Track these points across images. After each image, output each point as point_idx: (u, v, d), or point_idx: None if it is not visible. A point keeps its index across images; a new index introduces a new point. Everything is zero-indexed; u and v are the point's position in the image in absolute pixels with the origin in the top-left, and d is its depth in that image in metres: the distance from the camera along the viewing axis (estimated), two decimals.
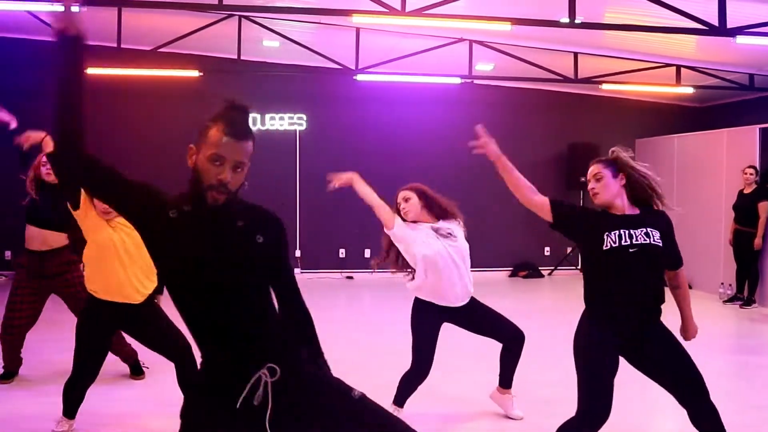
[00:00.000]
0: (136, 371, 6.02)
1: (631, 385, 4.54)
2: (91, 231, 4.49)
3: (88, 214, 4.43)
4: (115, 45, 10.14)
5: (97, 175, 2.49)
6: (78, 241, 4.92)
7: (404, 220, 4.97)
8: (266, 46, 11.19)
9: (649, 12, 8.11)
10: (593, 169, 4.01)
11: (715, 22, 7.72)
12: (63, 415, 4.62)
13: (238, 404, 2.39)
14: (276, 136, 12.27)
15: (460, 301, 4.88)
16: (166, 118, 11.91)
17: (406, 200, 4.99)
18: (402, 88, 12.07)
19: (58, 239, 5.67)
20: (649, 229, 3.66)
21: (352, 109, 12.34)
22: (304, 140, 12.36)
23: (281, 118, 12.32)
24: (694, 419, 3.67)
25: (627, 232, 3.65)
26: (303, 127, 12.36)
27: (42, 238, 5.65)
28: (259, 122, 12.24)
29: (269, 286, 2.59)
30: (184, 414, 2.61)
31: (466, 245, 4.96)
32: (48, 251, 5.63)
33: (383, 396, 5.04)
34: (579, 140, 12.85)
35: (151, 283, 4.60)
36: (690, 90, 11.48)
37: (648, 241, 3.62)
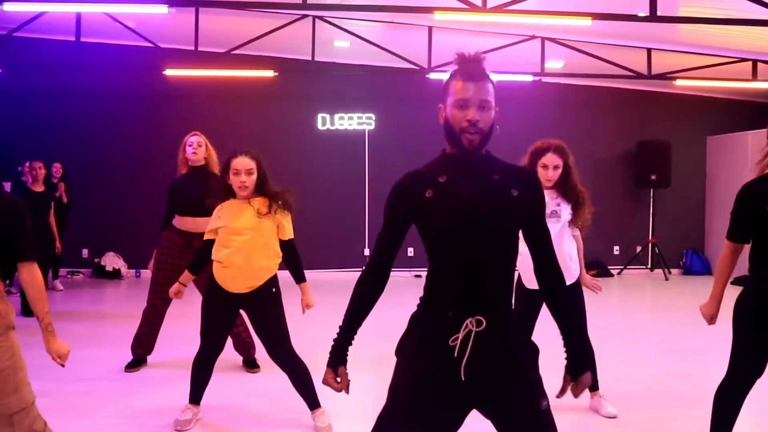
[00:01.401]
0: (252, 364, 6.14)
1: None
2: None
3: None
4: (192, 48, 10.37)
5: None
6: None
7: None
8: (337, 46, 11.32)
9: (725, 4, 8.02)
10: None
11: None
12: (189, 402, 4.73)
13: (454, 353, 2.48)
14: (345, 135, 12.39)
15: None
16: (242, 118, 12.13)
17: (556, 168, 4.81)
18: None
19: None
20: None
21: (422, 108, 12.30)
22: (373, 140, 12.45)
23: (350, 118, 12.43)
24: None
25: None
26: (372, 127, 12.46)
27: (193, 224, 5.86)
28: (328, 122, 12.38)
29: (516, 243, 2.63)
30: (400, 347, 2.68)
31: None
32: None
33: None
34: (649, 138, 12.72)
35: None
36: (767, 85, 11.29)
37: None
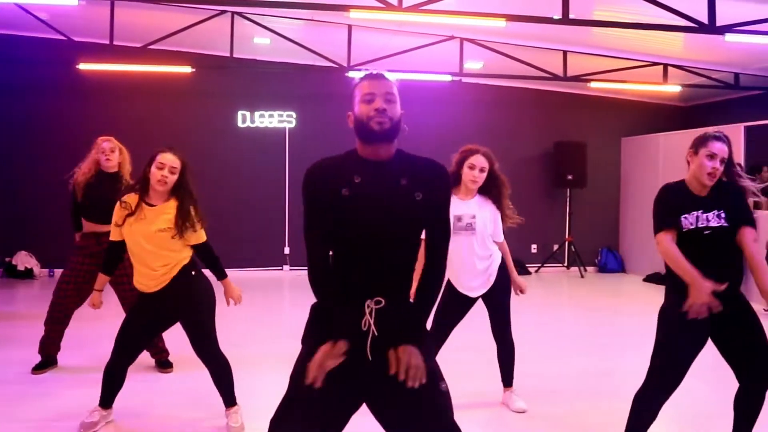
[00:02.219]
0: (164, 365, 6.04)
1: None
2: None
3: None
4: (107, 41, 10.15)
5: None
6: None
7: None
8: (257, 43, 11.23)
9: (637, 10, 8.24)
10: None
11: (703, 19, 7.86)
12: (99, 405, 4.62)
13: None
14: (266, 134, 12.30)
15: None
16: (159, 114, 11.92)
17: (482, 170, 4.88)
18: None
19: None
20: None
21: (343, 106, 12.19)
22: (294, 138, 12.39)
23: (270, 116, 12.35)
24: (739, 396, 3.85)
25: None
26: (292, 125, 12.39)
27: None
28: (248, 119, 12.27)
29: (418, 241, 2.71)
30: (306, 337, 2.72)
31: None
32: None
33: None
34: (566, 138, 12.98)
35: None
36: (677, 88, 11.64)
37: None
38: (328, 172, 2.67)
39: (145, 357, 6.07)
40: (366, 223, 2.58)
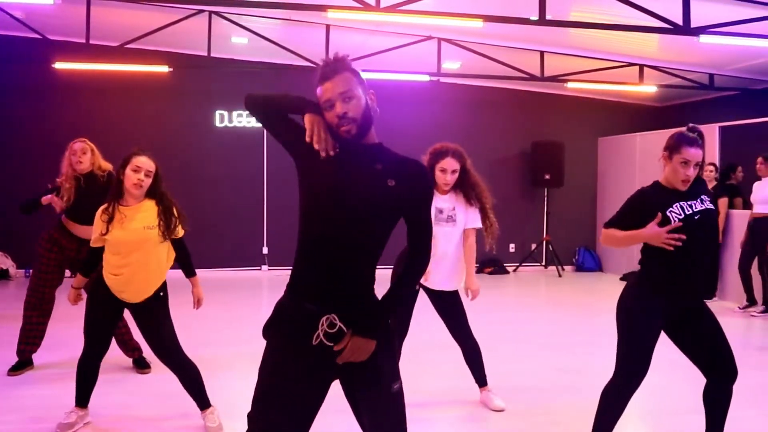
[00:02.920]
0: (141, 365, 6.02)
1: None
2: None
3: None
4: (83, 41, 10.08)
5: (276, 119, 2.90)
6: None
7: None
8: (235, 42, 11.20)
9: (613, 11, 8.31)
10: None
11: (678, 21, 7.94)
12: (75, 405, 4.60)
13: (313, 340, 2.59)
14: (244, 133, 12.27)
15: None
16: (136, 114, 11.86)
17: (454, 172, 4.90)
18: (370, 85, 12.07)
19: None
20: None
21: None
22: (271, 138, 12.31)
23: (249, 116, 12.32)
24: (709, 394, 3.90)
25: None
26: None
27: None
28: (227, 119, 12.24)
29: (386, 235, 2.69)
30: (266, 328, 2.72)
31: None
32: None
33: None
34: (543, 138, 13.05)
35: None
36: (653, 89, 11.74)
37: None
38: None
39: (122, 358, 6.07)
40: (336, 187, 2.59)
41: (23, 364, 5.93)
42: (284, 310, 2.67)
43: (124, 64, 10.72)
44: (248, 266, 12.28)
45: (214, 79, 12.06)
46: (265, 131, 12.69)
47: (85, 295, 4.65)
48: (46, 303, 5.95)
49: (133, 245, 4.38)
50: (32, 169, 11.35)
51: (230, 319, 8.08)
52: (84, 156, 5.79)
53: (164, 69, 10.84)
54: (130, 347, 6.02)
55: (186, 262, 4.70)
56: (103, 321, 4.53)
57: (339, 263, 2.59)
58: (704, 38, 8.11)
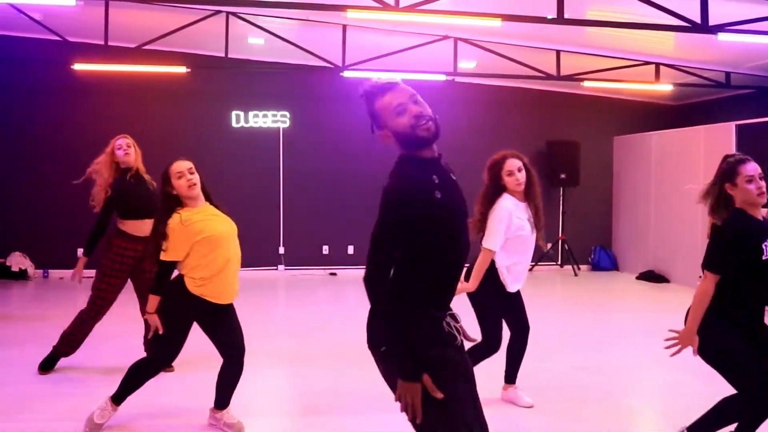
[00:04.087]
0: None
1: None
2: None
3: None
4: (102, 42, 10.15)
5: None
6: None
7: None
8: (251, 43, 11.25)
9: (631, 9, 8.30)
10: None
11: (696, 19, 7.93)
12: (113, 402, 4.59)
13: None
14: (260, 134, 12.33)
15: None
16: (154, 115, 11.93)
17: (520, 170, 4.95)
18: None
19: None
20: None
21: (336, 106, 12.42)
22: (288, 138, 12.41)
23: (264, 116, 12.37)
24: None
25: None
26: (286, 125, 12.42)
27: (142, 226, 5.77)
28: (243, 119, 12.30)
29: None
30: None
31: None
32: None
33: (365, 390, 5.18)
34: (558, 138, 13.04)
35: None
36: (669, 87, 11.71)
37: None
38: (416, 185, 2.61)
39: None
40: (453, 220, 2.67)
41: (54, 361, 5.97)
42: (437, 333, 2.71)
43: (143, 65, 10.80)
44: (265, 266, 12.32)
45: (231, 80, 12.13)
46: (281, 131, 12.73)
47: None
48: (105, 309, 5.95)
49: (226, 241, 4.49)
50: (52, 169, 11.47)
51: (247, 319, 8.13)
52: (129, 149, 5.92)
53: (182, 70, 10.90)
54: None
55: None
56: (186, 331, 4.52)
57: (454, 280, 2.75)
58: (722, 36, 8.10)
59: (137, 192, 5.86)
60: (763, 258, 3.68)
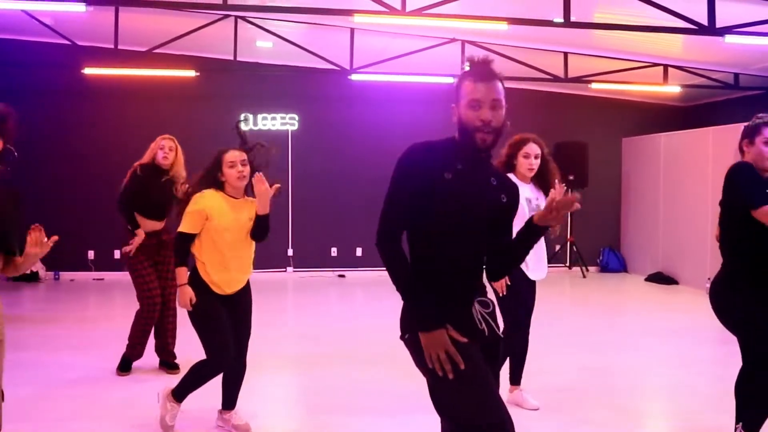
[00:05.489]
0: (171, 366, 6.10)
1: None
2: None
3: None
4: (112, 46, 10.22)
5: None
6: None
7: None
8: (260, 46, 11.31)
9: (638, 12, 8.31)
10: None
11: (703, 21, 7.93)
12: (173, 398, 4.58)
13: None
14: (268, 136, 12.38)
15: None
16: (163, 118, 11.98)
17: (537, 157, 5.00)
18: (394, 88, 12.21)
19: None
20: None
21: (344, 108, 12.46)
22: (296, 140, 12.47)
23: (273, 118, 12.43)
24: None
25: None
26: (295, 127, 12.47)
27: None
28: (251, 122, 12.36)
29: (489, 242, 2.86)
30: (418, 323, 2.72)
31: None
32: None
33: (373, 390, 5.21)
34: (567, 139, 13.04)
35: None
36: (677, 89, 11.71)
37: None
38: (430, 155, 2.73)
39: (151, 360, 6.16)
40: (463, 208, 2.69)
41: (129, 362, 6.05)
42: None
43: (152, 68, 10.86)
44: (274, 268, 12.37)
45: (239, 83, 12.19)
46: (290, 134, 12.77)
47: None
48: (155, 299, 6.00)
49: (239, 233, 4.55)
50: (62, 173, 11.56)
51: (255, 321, 8.17)
52: (170, 153, 6.03)
53: (191, 74, 10.96)
54: (169, 347, 6.16)
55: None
56: (218, 318, 4.52)
57: (465, 278, 2.79)
58: (729, 38, 8.10)
59: (158, 196, 5.98)
60: None
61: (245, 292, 4.69)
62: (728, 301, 3.96)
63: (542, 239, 5.03)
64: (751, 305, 3.86)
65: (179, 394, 4.57)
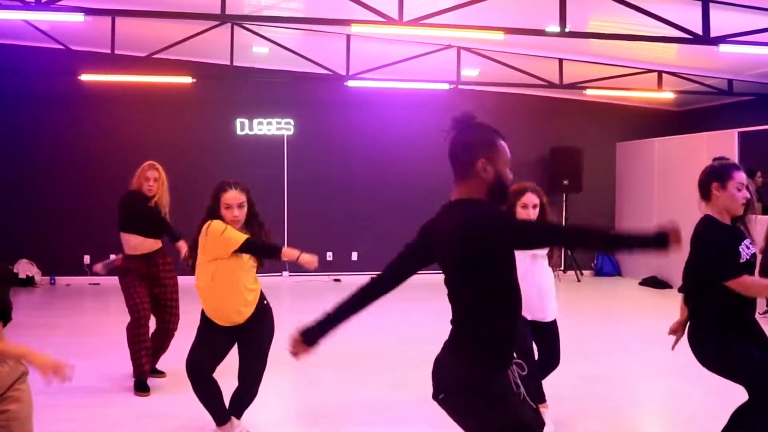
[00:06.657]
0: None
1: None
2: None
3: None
4: (109, 51, 10.23)
5: None
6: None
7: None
8: (256, 52, 11.33)
9: (633, 20, 8.36)
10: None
11: (697, 30, 7.99)
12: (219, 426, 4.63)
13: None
14: (264, 141, 12.42)
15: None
16: (160, 123, 12.03)
17: (535, 207, 4.96)
18: (390, 94, 12.26)
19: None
20: None
21: (340, 114, 12.50)
22: (292, 145, 12.49)
23: (269, 123, 12.46)
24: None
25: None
26: (290, 132, 12.50)
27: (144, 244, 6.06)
28: (247, 127, 12.38)
29: None
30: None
31: None
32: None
33: (373, 392, 5.23)
34: (561, 144, 13.11)
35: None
36: (671, 95, 11.78)
37: None
38: (495, 221, 2.77)
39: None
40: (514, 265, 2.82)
41: (145, 382, 5.97)
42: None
43: (149, 74, 10.87)
44: (269, 273, 12.38)
45: (235, 88, 12.21)
46: (285, 139, 12.80)
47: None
48: (144, 313, 5.99)
49: (241, 269, 4.54)
50: (59, 178, 11.57)
51: None
52: (155, 183, 6.02)
53: (188, 80, 10.98)
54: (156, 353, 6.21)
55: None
56: (210, 343, 4.65)
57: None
58: (724, 47, 8.16)
59: (142, 215, 6.04)
60: (741, 261, 3.73)
61: (252, 326, 4.67)
62: (709, 349, 3.87)
63: (548, 282, 5.11)
64: (728, 346, 3.78)
65: (219, 418, 4.66)
